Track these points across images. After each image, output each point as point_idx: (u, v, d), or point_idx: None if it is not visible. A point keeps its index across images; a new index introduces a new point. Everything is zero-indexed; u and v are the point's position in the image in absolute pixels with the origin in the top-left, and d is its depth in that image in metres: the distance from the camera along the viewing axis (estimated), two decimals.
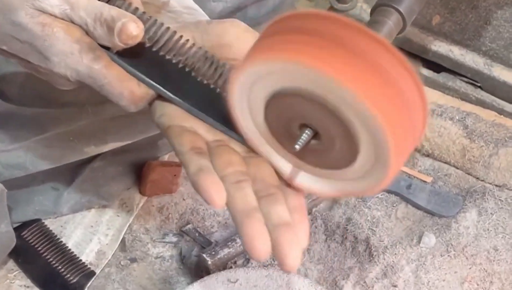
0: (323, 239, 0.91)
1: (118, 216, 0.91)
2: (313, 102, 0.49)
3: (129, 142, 0.89)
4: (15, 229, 0.86)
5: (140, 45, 0.56)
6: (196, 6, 0.65)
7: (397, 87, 0.47)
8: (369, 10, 1.05)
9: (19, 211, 0.88)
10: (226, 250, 0.87)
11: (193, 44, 0.58)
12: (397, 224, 0.94)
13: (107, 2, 0.56)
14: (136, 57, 0.56)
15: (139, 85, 0.56)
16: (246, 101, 0.52)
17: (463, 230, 0.92)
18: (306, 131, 0.52)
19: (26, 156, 0.84)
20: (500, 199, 0.95)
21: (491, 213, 0.94)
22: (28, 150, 0.84)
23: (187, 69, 0.57)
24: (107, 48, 0.56)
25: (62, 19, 0.55)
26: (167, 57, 0.57)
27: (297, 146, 0.51)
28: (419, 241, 0.91)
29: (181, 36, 0.58)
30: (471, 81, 1.02)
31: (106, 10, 0.54)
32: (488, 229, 0.93)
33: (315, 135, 0.52)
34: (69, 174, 0.90)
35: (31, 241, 0.86)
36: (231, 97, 0.52)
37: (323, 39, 0.47)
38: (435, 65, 1.04)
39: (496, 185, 0.97)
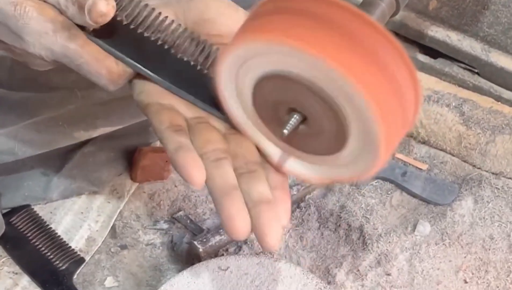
0: (316, 226, 0.90)
1: (108, 202, 0.90)
2: (301, 86, 0.48)
3: (120, 127, 0.88)
4: (4, 215, 0.85)
5: (118, 23, 0.55)
6: None
7: (388, 70, 0.46)
8: None
9: (8, 197, 0.87)
10: (217, 238, 0.85)
11: (172, 21, 0.57)
12: (391, 212, 0.93)
13: None
14: (113, 35, 0.55)
15: (117, 64, 0.55)
16: (233, 84, 0.51)
17: (458, 218, 0.91)
18: (295, 116, 0.50)
19: (15, 141, 0.83)
20: (496, 187, 0.94)
21: (487, 201, 0.93)
22: (17, 135, 0.83)
23: (166, 46, 0.56)
24: (83, 28, 0.55)
25: None
26: (146, 34, 0.56)
27: (285, 131, 0.50)
28: (413, 229, 0.90)
29: (159, 13, 0.57)
30: (468, 67, 1.01)
31: None
32: (484, 218, 0.91)
33: (304, 120, 0.51)
34: (59, 159, 0.89)
35: (20, 227, 0.85)
36: (218, 80, 0.51)
37: (312, 20, 0.46)
38: (432, 50, 1.03)
39: (493, 173, 0.96)
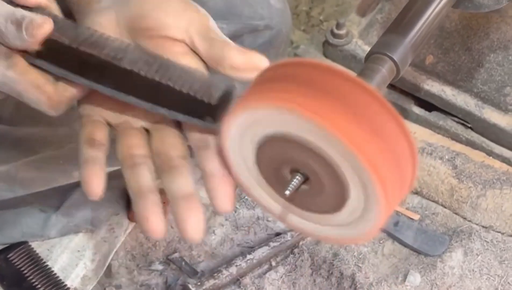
0: (309, 273, 0.92)
1: (105, 241, 0.91)
2: (304, 149, 0.49)
3: (119, 167, 0.90)
4: (1, 251, 0.85)
5: (60, 44, 0.56)
6: None
7: (388, 140, 0.48)
8: (364, 46, 1.07)
9: (5, 233, 0.88)
10: (212, 281, 0.87)
11: (113, 37, 0.58)
12: (383, 261, 0.94)
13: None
14: (57, 55, 0.56)
15: (55, 90, 0.56)
16: (238, 144, 0.53)
17: (448, 270, 0.92)
18: (297, 177, 0.52)
19: (15, 178, 0.84)
20: (486, 241, 0.96)
21: (476, 254, 0.94)
22: (17, 172, 0.84)
23: (108, 59, 0.57)
24: (27, 52, 0.56)
25: None
26: (88, 51, 0.57)
27: (287, 192, 0.52)
28: (404, 279, 0.91)
29: (97, 31, 0.58)
30: (462, 121, 1.03)
31: (19, 11, 0.55)
32: (473, 270, 0.93)
33: (306, 180, 0.53)
34: (57, 197, 0.90)
35: (17, 264, 0.86)
36: (223, 141, 0.53)
37: (316, 88, 0.48)
38: (427, 103, 1.05)
39: (483, 226, 0.98)
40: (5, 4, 0.56)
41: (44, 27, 0.54)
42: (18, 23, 0.54)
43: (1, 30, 0.55)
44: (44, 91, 0.56)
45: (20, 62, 0.56)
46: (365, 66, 0.63)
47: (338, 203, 0.52)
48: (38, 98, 0.56)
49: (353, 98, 0.48)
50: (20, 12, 0.55)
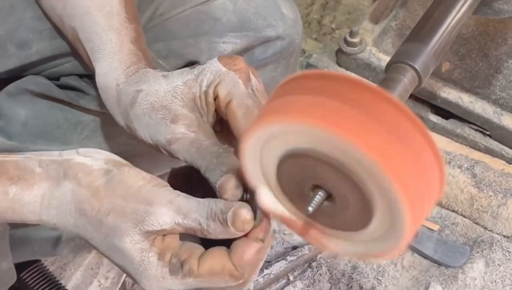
0: (327, 287, 0.89)
1: None
2: (328, 165, 0.47)
3: None
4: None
5: None
6: None
7: (417, 157, 0.46)
8: (378, 54, 1.05)
9: (17, 252, 0.86)
10: None
11: None
12: (403, 274, 0.92)
13: None
14: None
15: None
16: (258, 160, 0.51)
17: (470, 281, 0.90)
18: (320, 193, 0.50)
19: None
20: (508, 251, 0.94)
21: (498, 265, 0.92)
22: None
23: None
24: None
25: (172, 231, 0.54)
26: None
27: (310, 208, 0.50)
28: None
29: None
30: (480, 129, 1.01)
31: (214, 205, 0.54)
32: (495, 281, 0.91)
33: (328, 196, 0.51)
34: None
35: (30, 283, 0.85)
36: (243, 157, 0.51)
37: (339, 102, 0.46)
38: (444, 111, 1.03)
39: (504, 236, 0.96)
40: (195, 199, 0.54)
41: (251, 221, 0.53)
42: (221, 220, 0.53)
43: (203, 228, 0.54)
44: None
45: (194, 265, 0.54)
46: (386, 76, 0.61)
47: (362, 221, 0.50)
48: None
49: (376, 109, 0.46)
50: (215, 205, 0.53)
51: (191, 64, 0.72)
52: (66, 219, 0.56)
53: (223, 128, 0.62)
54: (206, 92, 0.58)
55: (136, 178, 0.55)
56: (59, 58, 0.76)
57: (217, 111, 0.60)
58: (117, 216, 0.54)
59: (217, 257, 0.54)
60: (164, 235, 0.55)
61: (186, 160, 0.57)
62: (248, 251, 0.54)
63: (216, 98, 0.59)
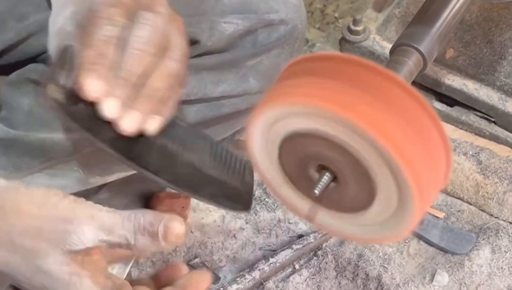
0: (333, 275, 0.89)
1: None
2: (335, 146, 0.47)
3: (135, 171, 0.88)
4: None
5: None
6: None
7: (425, 140, 0.46)
8: (382, 42, 1.04)
9: None
10: (234, 286, 0.85)
11: None
12: (409, 261, 0.92)
13: None
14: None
15: None
16: (264, 143, 0.51)
17: (476, 269, 0.90)
18: (326, 175, 0.50)
19: None
20: None
21: (504, 251, 0.92)
22: (31, 180, 0.82)
23: None
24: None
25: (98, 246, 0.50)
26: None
27: (316, 191, 0.50)
28: (431, 279, 0.89)
29: None
30: (485, 115, 1.01)
31: (141, 218, 0.50)
32: (502, 268, 0.91)
33: (334, 178, 0.51)
34: None
35: None
36: (249, 140, 0.51)
37: (348, 84, 0.46)
38: (449, 98, 1.02)
39: (510, 223, 0.95)
40: (120, 212, 0.51)
41: (184, 234, 0.50)
42: (151, 233, 0.49)
43: (130, 243, 0.50)
44: None
45: None
46: (390, 58, 0.61)
47: (366, 201, 0.50)
48: None
49: (383, 91, 0.47)
50: (143, 218, 0.50)
51: (192, 43, 0.71)
52: None
53: None
54: None
55: (45, 195, 0.51)
56: None
57: None
58: (32, 237, 0.50)
59: None
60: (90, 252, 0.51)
61: None
62: None
63: None
